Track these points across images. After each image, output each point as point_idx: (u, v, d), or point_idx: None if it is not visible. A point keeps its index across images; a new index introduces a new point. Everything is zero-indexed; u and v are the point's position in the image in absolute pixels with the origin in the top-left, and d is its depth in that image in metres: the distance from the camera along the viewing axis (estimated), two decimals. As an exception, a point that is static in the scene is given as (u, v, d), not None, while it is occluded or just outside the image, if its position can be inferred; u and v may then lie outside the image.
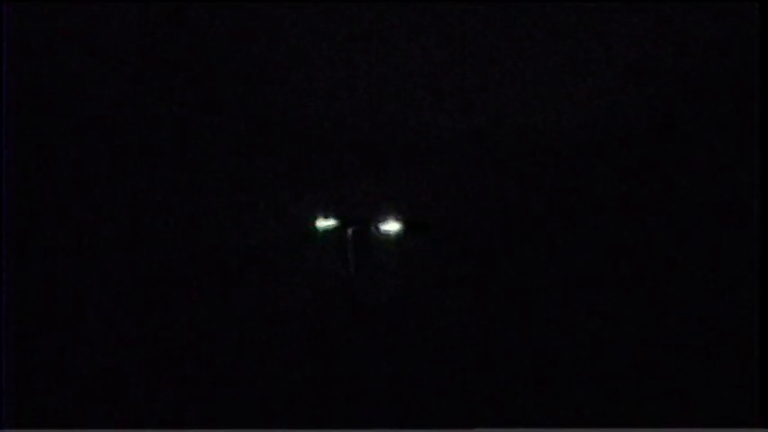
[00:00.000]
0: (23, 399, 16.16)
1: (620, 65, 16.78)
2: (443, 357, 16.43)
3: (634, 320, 16.32)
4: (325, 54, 17.04)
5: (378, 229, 17.00)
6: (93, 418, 16.18)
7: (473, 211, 16.85)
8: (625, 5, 16.77)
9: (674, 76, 16.71)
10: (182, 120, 16.87)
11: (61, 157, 16.77)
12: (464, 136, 16.87)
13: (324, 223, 17.02)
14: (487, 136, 16.81)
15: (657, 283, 16.43)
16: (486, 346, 16.38)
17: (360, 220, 16.98)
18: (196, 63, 16.89)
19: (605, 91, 16.78)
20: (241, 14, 16.92)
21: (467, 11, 17.02)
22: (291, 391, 16.36)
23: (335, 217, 16.98)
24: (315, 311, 16.75)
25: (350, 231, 16.87)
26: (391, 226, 17.13)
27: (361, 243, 16.92)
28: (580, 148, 16.59)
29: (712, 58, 16.57)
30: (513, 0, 16.86)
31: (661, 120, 16.69)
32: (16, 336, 16.08)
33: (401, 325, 16.65)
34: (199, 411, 16.13)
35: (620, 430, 15.94)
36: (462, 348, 16.45)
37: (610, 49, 16.80)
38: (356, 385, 16.35)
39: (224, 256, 16.80)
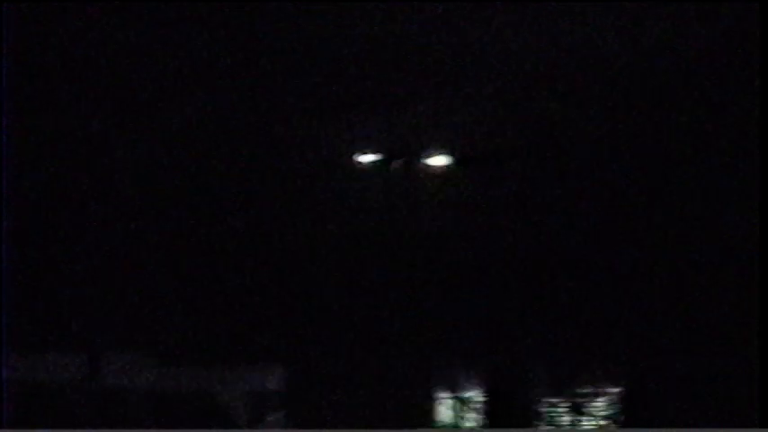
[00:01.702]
0: (23, 399, 16.18)
1: (618, 65, 16.76)
2: (489, 292, 16.30)
3: (635, 320, 16.34)
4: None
5: (425, 162, 16.55)
6: (93, 418, 16.21)
7: (524, 143, 16.50)
8: (624, 5, 16.74)
9: (674, 76, 16.69)
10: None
11: (62, 157, 16.76)
12: (519, 62, 16.41)
13: (366, 157, 16.50)
14: (545, 63, 16.36)
15: (658, 283, 16.44)
16: (532, 282, 16.26)
17: (406, 152, 16.47)
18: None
19: (605, 88, 16.77)
20: None
21: None
22: (326, 324, 16.29)
23: (380, 150, 16.46)
24: (355, 244, 16.47)
25: (396, 164, 16.31)
26: (439, 159, 16.81)
27: (408, 176, 16.54)
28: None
29: (712, 58, 16.54)
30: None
31: (660, 120, 16.68)
32: (16, 336, 16.09)
33: (446, 260, 16.38)
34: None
35: (620, 430, 15.97)
36: (509, 284, 16.31)
37: (608, 49, 16.78)
38: (400, 319, 16.25)
39: (263, 191, 16.57)
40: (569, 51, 16.50)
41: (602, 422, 16.44)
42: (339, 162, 16.59)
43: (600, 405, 16.54)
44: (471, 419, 16.60)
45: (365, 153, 16.57)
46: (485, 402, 16.60)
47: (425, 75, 16.52)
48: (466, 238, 16.61)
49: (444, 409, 16.75)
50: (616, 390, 16.44)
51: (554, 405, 16.61)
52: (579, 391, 16.65)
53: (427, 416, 16.57)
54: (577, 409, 16.60)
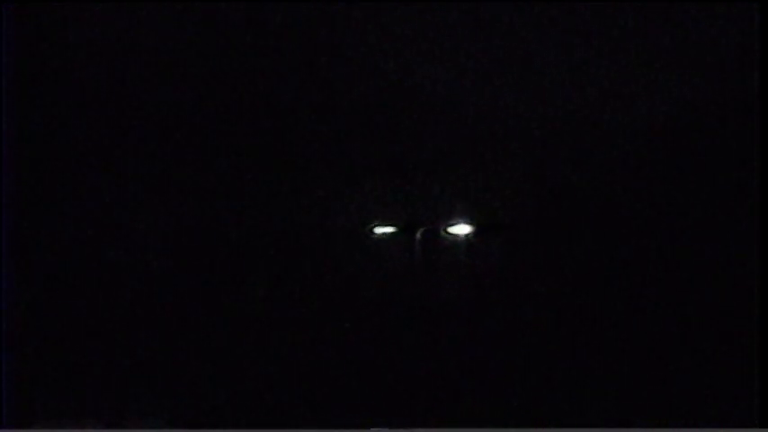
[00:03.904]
0: (23, 399, 16.22)
1: (618, 65, 16.82)
2: (515, 362, 16.36)
3: (634, 320, 16.37)
4: (386, 40, 16.53)
5: (447, 231, 16.46)
6: (94, 417, 16.25)
7: (549, 210, 16.60)
8: (623, 5, 16.81)
9: (673, 77, 16.76)
10: (205, 117, 16.59)
11: (63, 158, 16.80)
12: (539, 129, 16.50)
13: (383, 229, 16.25)
14: (564, 130, 16.49)
15: (658, 283, 16.48)
16: (560, 351, 16.33)
17: (427, 222, 16.55)
18: (220, 58, 16.61)
19: (604, 92, 16.83)
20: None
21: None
22: (350, 394, 16.34)
23: (399, 220, 16.14)
24: (373, 316, 16.58)
25: (418, 234, 16.28)
26: (461, 228, 16.60)
27: (429, 247, 16.45)
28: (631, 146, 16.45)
29: (712, 59, 16.62)
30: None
31: (660, 121, 16.74)
32: (16, 336, 16.14)
33: (471, 330, 16.47)
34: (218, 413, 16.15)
35: (621, 430, 15.99)
36: (535, 354, 16.37)
37: (608, 50, 16.84)
38: (422, 388, 16.31)
39: (277, 264, 16.62)
40: (591, 119, 16.58)
41: None
42: (356, 232, 16.60)
43: None
44: None
45: (383, 223, 16.61)
46: None
47: (445, 143, 16.57)
48: (487, 308, 16.63)
49: None
50: None
51: None
52: None
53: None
54: None
